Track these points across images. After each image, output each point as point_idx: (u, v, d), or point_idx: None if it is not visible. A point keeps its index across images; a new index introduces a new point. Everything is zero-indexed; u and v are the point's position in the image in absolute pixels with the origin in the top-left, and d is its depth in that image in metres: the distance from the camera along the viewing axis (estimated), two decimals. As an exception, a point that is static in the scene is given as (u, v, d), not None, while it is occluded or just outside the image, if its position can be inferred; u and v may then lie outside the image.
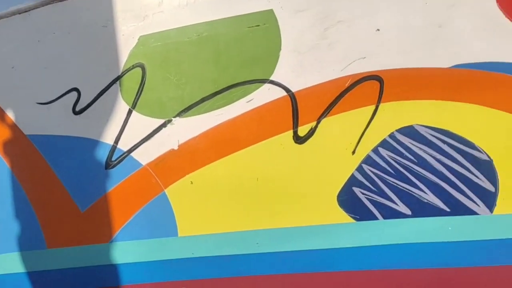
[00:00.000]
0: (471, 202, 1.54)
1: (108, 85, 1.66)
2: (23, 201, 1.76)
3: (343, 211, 1.58)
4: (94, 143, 1.68)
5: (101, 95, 1.67)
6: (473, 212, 1.53)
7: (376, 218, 1.57)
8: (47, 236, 1.75)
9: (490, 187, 1.53)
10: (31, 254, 1.78)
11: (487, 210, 1.53)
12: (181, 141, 1.63)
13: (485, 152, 1.54)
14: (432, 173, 1.55)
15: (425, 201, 1.55)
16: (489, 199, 1.53)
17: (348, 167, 1.58)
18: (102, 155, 1.68)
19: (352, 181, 1.58)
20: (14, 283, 1.79)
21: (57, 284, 1.74)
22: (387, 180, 1.57)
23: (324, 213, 1.59)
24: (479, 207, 1.53)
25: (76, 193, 1.72)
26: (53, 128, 1.72)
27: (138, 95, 1.65)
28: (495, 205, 1.53)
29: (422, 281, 1.56)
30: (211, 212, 1.65)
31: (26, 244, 1.78)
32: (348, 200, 1.58)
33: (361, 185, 1.58)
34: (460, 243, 1.54)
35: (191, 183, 1.63)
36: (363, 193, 1.57)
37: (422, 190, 1.56)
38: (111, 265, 1.68)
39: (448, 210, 1.54)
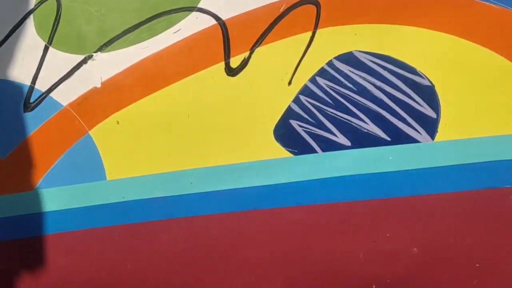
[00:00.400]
0: (412, 130, 1.47)
1: (20, 20, 1.51)
2: None
3: (280, 146, 1.49)
4: (10, 85, 1.54)
5: (13, 32, 1.52)
6: (414, 140, 1.47)
7: (315, 151, 1.49)
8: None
9: (432, 114, 1.46)
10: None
11: (428, 138, 1.46)
12: (104, 78, 1.51)
13: (426, 77, 1.46)
14: (372, 102, 1.47)
15: (365, 131, 1.48)
16: (431, 126, 1.47)
17: (284, 99, 1.49)
18: (19, 97, 1.54)
19: (288, 114, 1.49)
20: None
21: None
22: (326, 111, 1.48)
23: (260, 149, 1.50)
24: (421, 134, 1.46)
25: (-4, 138, 1.59)
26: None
27: (54, 29, 1.50)
28: (437, 131, 1.46)
29: (364, 213, 1.51)
30: (140, 153, 1.54)
31: None
32: (285, 133, 1.49)
33: (298, 117, 1.49)
34: (401, 173, 1.48)
35: (117, 123, 1.51)
36: (300, 126, 1.49)
37: (362, 120, 1.48)
38: (38, 213, 1.57)
39: (388, 139, 1.47)
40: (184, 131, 1.51)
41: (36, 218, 1.58)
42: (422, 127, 1.46)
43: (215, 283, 1.54)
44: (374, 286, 1.53)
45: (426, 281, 1.53)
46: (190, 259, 1.53)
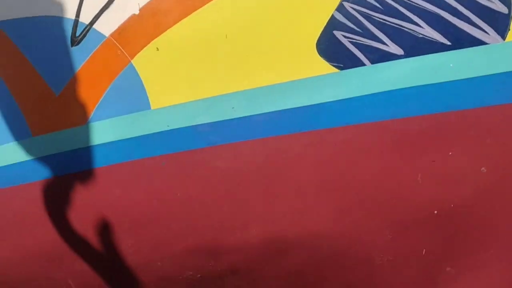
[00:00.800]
0: (477, 30, 1.26)
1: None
2: (5, 93, 1.73)
3: (324, 61, 1.37)
4: (56, 21, 1.57)
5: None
6: (480, 42, 1.26)
7: (363, 64, 1.35)
8: (31, 125, 1.72)
9: (502, 8, 1.24)
10: (17, 145, 1.76)
11: (498, 38, 1.25)
12: (142, 4, 1.48)
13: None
14: (427, 1, 1.29)
15: (420, 36, 1.30)
16: (501, 24, 1.25)
17: (326, 8, 1.36)
18: (66, 32, 1.57)
19: (332, 24, 1.36)
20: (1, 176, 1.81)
21: (41, 172, 1.72)
22: (373, 17, 1.33)
23: (302, 66, 1.39)
24: (488, 35, 1.25)
25: (49, 77, 1.65)
26: (18, 11, 1.63)
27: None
28: (509, 29, 1.24)
29: (421, 130, 1.34)
30: (181, 79, 1.51)
31: (13, 135, 1.77)
32: (329, 47, 1.37)
33: (343, 28, 1.35)
34: (464, 82, 1.29)
35: (157, 49, 1.49)
36: (346, 37, 1.35)
37: (416, 24, 1.30)
38: (89, 147, 1.62)
39: (448, 43, 1.29)
40: (223, 53, 1.45)
41: (88, 152, 1.62)
42: (490, 25, 1.25)
43: (262, 210, 1.48)
44: (435, 212, 1.37)
45: (496, 204, 1.34)
46: (236, 186, 1.49)
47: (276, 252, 1.49)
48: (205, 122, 1.48)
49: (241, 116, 1.45)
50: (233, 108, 1.45)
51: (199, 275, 1.60)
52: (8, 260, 1.97)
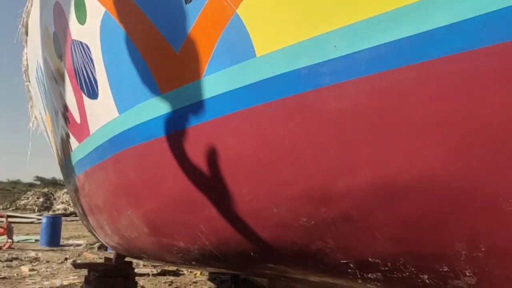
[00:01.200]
0: None
1: None
2: (136, 56, 1.94)
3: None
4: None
5: None
6: None
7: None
8: (159, 84, 1.90)
9: None
10: (149, 104, 1.97)
11: None
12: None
13: None
14: None
15: None
16: None
17: None
18: (181, -9, 1.68)
19: None
20: (139, 132, 2.04)
21: (170, 127, 1.89)
22: None
23: (408, -10, 1.25)
24: None
25: (169, 35, 1.79)
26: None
27: None
28: None
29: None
30: (282, 23, 1.49)
31: (145, 95, 1.98)
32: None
33: None
34: None
35: (258, -6, 1.49)
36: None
37: None
38: (206, 99, 1.72)
39: None
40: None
41: (205, 105, 1.73)
42: None
43: (371, 153, 1.39)
44: None
45: None
46: (344, 129, 1.42)
47: (388, 197, 1.40)
48: (308, 64, 1.45)
49: (344, 54, 1.37)
50: (335, 47, 1.39)
51: (312, 222, 1.60)
52: (150, 209, 2.24)
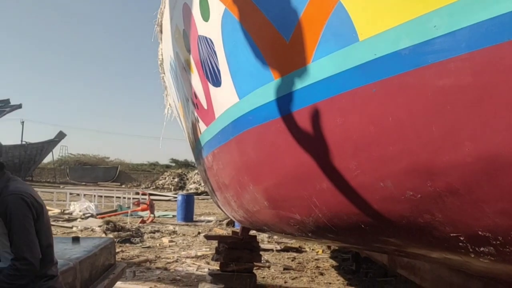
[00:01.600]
0: None
1: None
2: (252, 47, 2.16)
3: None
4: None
5: None
6: None
7: None
8: (272, 70, 2.11)
9: None
10: (264, 89, 2.18)
11: None
12: None
13: None
14: None
15: None
16: None
17: None
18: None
19: None
20: (257, 114, 2.26)
21: (284, 109, 2.09)
22: None
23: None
24: None
25: (280, 27, 1.97)
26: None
27: None
28: None
29: None
30: (382, 7, 1.57)
31: (261, 82, 2.20)
32: None
33: None
34: None
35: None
36: None
37: None
38: (315, 83, 1.87)
39: None
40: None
41: (314, 88, 1.88)
42: None
43: (473, 128, 1.42)
44: None
45: None
46: (446, 105, 1.47)
47: (493, 170, 1.41)
48: (409, 45, 1.52)
49: (444, 33, 1.42)
50: (435, 27, 1.44)
51: (419, 195, 1.67)
52: (269, 184, 2.48)
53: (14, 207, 1.72)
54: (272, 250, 8.04)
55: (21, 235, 1.71)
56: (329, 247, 7.80)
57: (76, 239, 4.10)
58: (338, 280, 5.90)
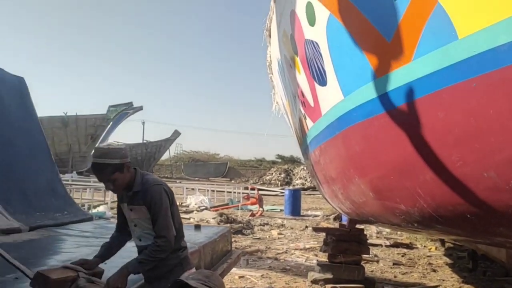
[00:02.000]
0: None
1: None
2: (355, 48, 2.34)
3: None
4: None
5: None
6: None
7: None
8: (375, 70, 2.26)
9: None
10: (367, 87, 2.33)
11: None
12: None
13: None
14: None
15: None
16: None
17: None
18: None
19: None
20: (361, 111, 2.42)
21: (386, 105, 2.22)
22: None
23: None
24: None
25: (381, 28, 2.12)
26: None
27: None
28: None
29: None
30: (480, 7, 1.65)
31: (364, 80, 2.35)
32: None
33: None
34: None
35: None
36: None
37: None
38: (415, 80, 1.99)
39: None
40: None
41: (414, 85, 2.00)
42: None
43: None
44: None
45: None
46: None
47: None
48: (508, 41, 1.59)
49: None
50: (535, 21, 1.49)
51: (523, 185, 1.72)
52: (374, 176, 2.62)
53: (157, 196, 2.09)
54: (381, 245, 7.99)
55: (162, 219, 2.08)
56: (443, 244, 7.53)
57: (197, 227, 4.59)
58: (452, 277, 5.73)
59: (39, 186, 4.81)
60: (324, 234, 5.55)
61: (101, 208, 10.26)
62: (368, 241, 5.58)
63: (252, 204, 13.66)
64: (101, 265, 2.11)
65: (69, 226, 4.37)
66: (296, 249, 7.43)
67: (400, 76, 2.09)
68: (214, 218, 10.29)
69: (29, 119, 5.24)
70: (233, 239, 7.89)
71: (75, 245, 3.50)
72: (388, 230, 9.00)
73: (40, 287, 1.81)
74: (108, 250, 2.18)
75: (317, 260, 5.84)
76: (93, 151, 1.96)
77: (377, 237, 8.85)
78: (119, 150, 1.98)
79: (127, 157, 2.02)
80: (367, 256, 5.96)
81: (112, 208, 10.58)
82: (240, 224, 9.74)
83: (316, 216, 12.99)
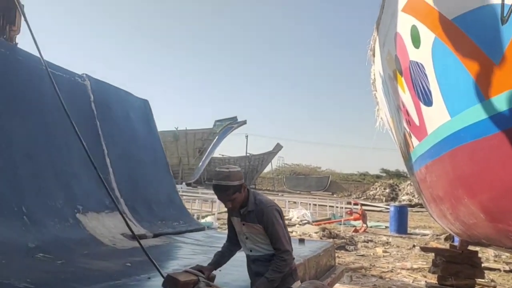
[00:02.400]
0: None
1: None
2: (462, 70, 2.35)
3: None
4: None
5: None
6: None
7: None
8: (483, 91, 2.25)
9: None
10: (476, 108, 2.32)
11: None
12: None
13: None
14: None
15: None
16: None
17: None
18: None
19: None
20: (469, 132, 2.40)
21: (493, 128, 2.20)
22: None
23: None
24: None
25: (489, 51, 2.12)
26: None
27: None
28: None
29: None
30: None
31: (471, 101, 2.35)
32: None
33: None
34: None
35: None
36: None
37: None
38: None
39: None
40: None
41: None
42: None
43: None
44: None
45: None
46: None
47: None
48: None
49: None
50: None
51: None
52: (485, 197, 2.56)
53: (273, 217, 2.27)
54: (499, 270, 7.40)
55: (282, 235, 2.26)
56: None
57: (301, 241, 4.74)
58: None
59: (160, 197, 5.37)
60: (433, 254, 5.35)
61: (208, 219, 10.86)
62: (483, 265, 5.25)
63: (355, 219, 13.45)
64: (214, 272, 2.36)
65: (185, 234, 4.82)
66: (402, 269, 7.21)
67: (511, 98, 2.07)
68: (316, 233, 10.35)
69: (152, 137, 5.88)
70: (336, 255, 7.91)
71: (192, 252, 3.88)
72: (507, 254, 8.31)
73: (171, 288, 2.10)
74: (221, 258, 2.44)
75: (426, 282, 5.64)
76: (215, 173, 2.21)
77: (495, 260, 8.21)
78: (238, 173, 2.21)
79: (243, 179, 2.25)
80: (482, 280, 5.60)
81: (218, 219, 11.16)
82: (343, 240, 9.68)
83: (424, 235, 12.37)
